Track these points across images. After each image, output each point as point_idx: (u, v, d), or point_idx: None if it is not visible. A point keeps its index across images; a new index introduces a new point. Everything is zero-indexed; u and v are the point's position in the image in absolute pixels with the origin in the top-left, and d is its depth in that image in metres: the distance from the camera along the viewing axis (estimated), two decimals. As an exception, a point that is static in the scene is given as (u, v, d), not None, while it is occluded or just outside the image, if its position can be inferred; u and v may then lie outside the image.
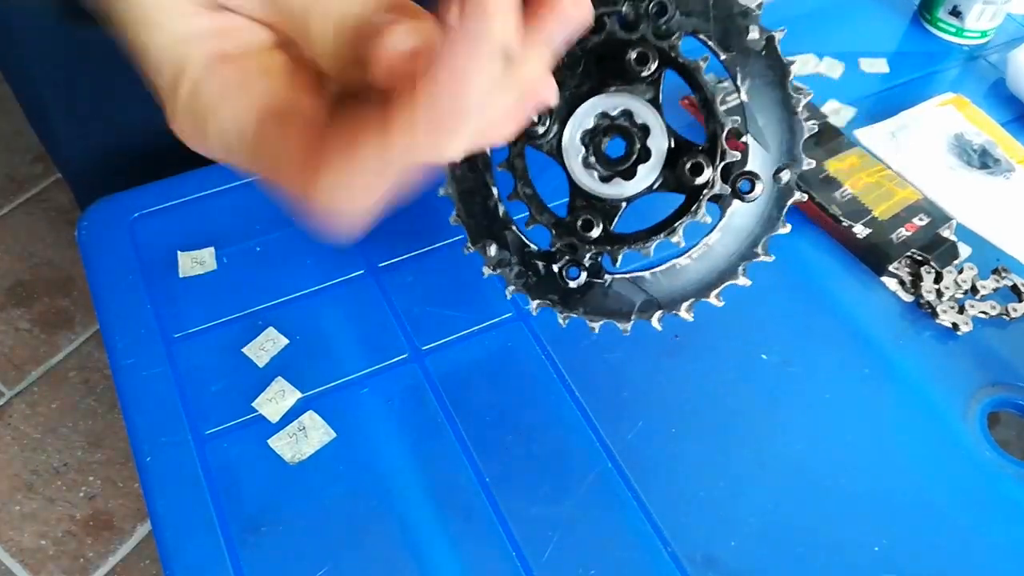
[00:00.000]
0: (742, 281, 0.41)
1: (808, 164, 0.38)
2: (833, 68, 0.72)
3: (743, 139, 0.38)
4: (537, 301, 0.42)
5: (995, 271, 0.58)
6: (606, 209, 0.38)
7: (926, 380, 0.53)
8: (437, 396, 0.51)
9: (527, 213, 0.40)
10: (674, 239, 0.39)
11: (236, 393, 0.51)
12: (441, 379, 0.52)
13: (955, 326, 0.55)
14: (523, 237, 0.41)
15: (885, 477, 0.49)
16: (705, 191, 0.38)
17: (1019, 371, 0.54)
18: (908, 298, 0.57)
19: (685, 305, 0.41)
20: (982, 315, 0.56)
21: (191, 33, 0.28)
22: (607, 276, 0.41)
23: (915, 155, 0.65)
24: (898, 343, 0.55)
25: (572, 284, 0.41)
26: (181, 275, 0.56)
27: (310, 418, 0.50)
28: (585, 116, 0.37)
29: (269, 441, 0.49)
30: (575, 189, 0.39)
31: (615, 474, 0.48)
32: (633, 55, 0.35)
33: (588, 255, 0.40)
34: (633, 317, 0.42)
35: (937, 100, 0.70)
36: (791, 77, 0.37)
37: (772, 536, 0.47)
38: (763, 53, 0.36)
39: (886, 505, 0.48)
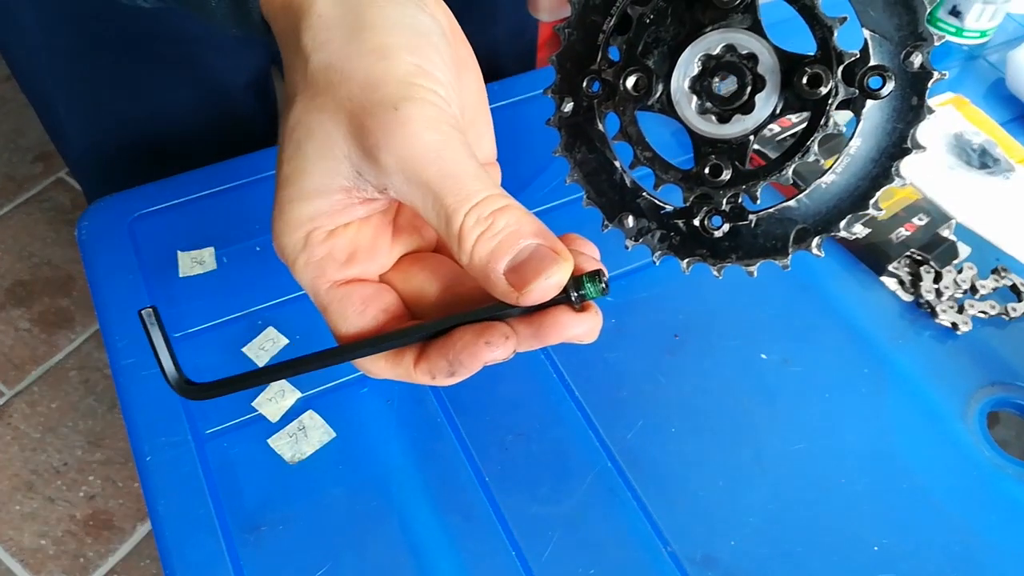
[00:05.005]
0: (898, 182, 0.38)
1: (939, 38, 0.36)
2: (833, 68, 0.72)
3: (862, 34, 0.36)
4: (687, 259, 0.40)
5: (994, 271, 0.58)
6: (733, 149, 0.37)
7: (925, 380, 0.53)
8: (437, 396, 0.51)
9: (653, 176, 0.39)
10: (810, 159, 0.37)
11: (236, 393, 0.50)
12: (441, 379, 0.52)
13: (954, 326, 0.56)
14: (656, 200, 0.40)
15: (884, 477, 0.49)
16: (831, 100, 0.35)
17: (1018, 371, 0.54)
18: (907, 298, 0.57)
19: (843, 223, 0.38)
20: (981, 315, 0.56)
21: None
22: (751, 216, 0.39)
23: (914, 155, 0.65)
24: (897, 343, 0.55)
25: (717, 233, 0.39)
26: (181, 275, 0.56)
27: (310, 418, 0.50)
28: (688, 64, 0.36)
29: (269, 441, 0.49)
30: (697, 138, 0.37)
31: (615, 474, 0.48)
32: None
33: (725, 200, 0.38)
34: (791, 250, 0.39)
35: (936, 100, 0.70)
36: None
37: (772, 536, 0.47)
38: None
39: (885, 504, 0.48)
